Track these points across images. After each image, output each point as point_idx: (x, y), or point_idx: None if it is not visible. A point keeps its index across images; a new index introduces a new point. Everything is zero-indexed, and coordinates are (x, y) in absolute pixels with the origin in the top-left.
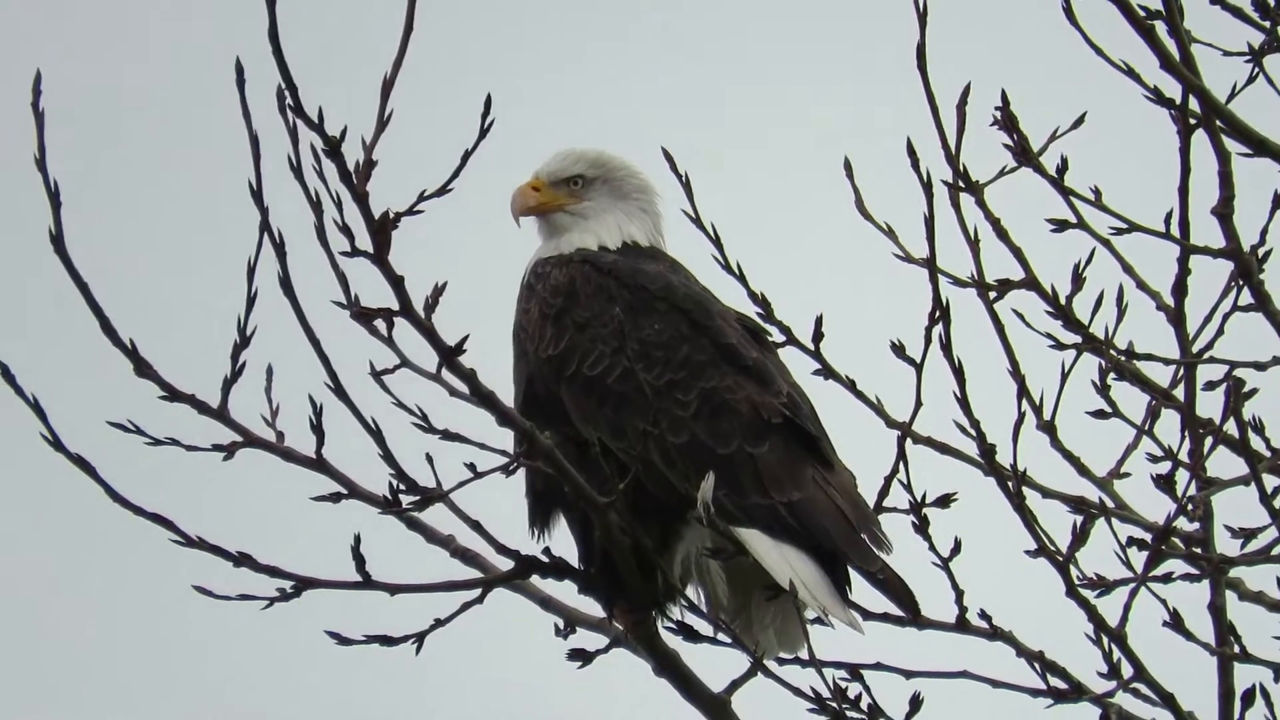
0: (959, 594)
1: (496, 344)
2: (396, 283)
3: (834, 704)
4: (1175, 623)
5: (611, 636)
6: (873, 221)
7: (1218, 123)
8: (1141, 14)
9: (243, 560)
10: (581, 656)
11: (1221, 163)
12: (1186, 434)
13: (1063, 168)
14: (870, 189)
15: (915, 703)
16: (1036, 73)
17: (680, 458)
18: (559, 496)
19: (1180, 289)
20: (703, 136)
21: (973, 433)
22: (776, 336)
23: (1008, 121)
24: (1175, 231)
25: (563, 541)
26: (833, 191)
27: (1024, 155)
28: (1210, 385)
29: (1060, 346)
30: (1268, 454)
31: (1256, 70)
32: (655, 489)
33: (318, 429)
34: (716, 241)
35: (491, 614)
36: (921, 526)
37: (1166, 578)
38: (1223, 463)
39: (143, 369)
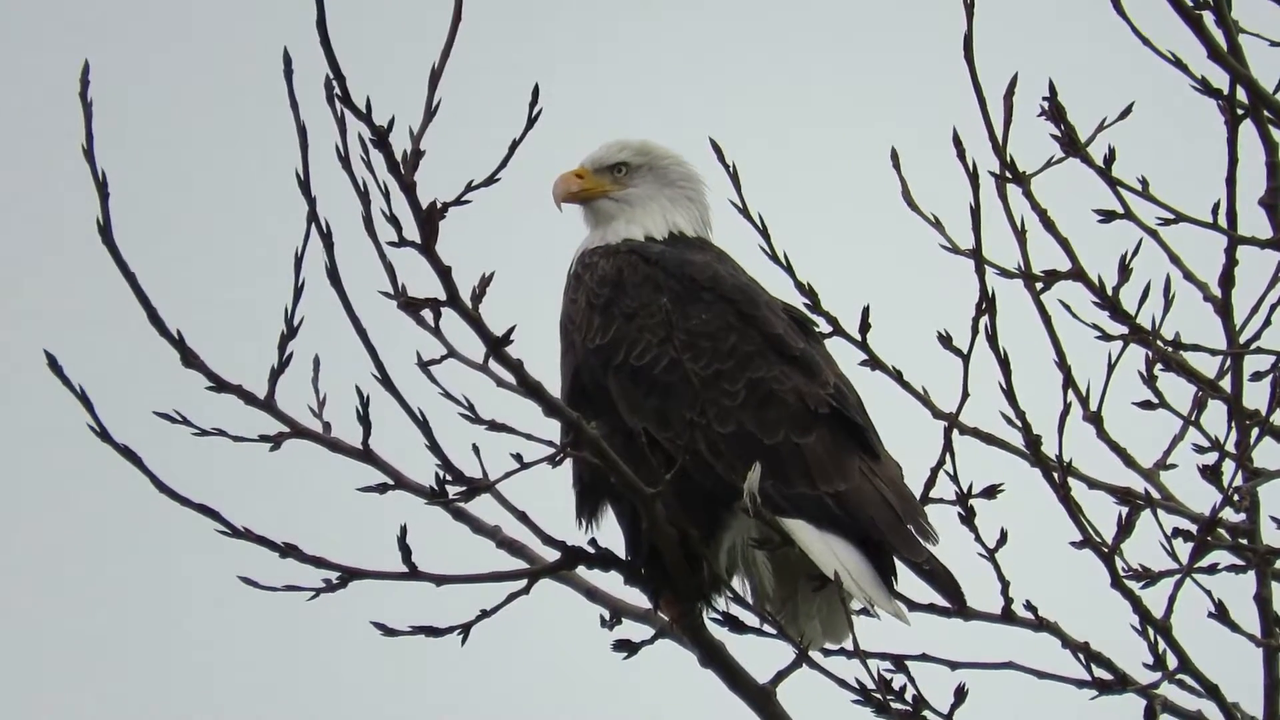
0: (1005, 585)
1: (543, 334)
2: (444, 273)
3: (879, 695)
4: (1220, 614)
5: (657, 627)
6: (919, 212)
7: (1265, 113)
8: (1189, 4)
9: (289, 551)
10: (627, 647)
11: (1269, 153)
12: (1233, 425)
13: (1110, 158)
14: (917, 180)
15: (960, 694)
16: (1084, 63)
17: (727, 448)
18: (606, 487)
19: (1227, 279)
20: (750, 128)
21: (1019, 424)
22: (823, 327)
23: (1055, 112)
24: (1223, 222)
25: (609, 532)
26: (880, 182)
27: (1071, 146)
28: (1257, 376)
29: (1107, 337)
30: None
31: None
32: (702, 479)
33: (364, 419)
34: (764, 232)
35: (537, 605)
36: (967, 517)
37: (1212, 569)
38: (1269, 454)
39: (190, 359)
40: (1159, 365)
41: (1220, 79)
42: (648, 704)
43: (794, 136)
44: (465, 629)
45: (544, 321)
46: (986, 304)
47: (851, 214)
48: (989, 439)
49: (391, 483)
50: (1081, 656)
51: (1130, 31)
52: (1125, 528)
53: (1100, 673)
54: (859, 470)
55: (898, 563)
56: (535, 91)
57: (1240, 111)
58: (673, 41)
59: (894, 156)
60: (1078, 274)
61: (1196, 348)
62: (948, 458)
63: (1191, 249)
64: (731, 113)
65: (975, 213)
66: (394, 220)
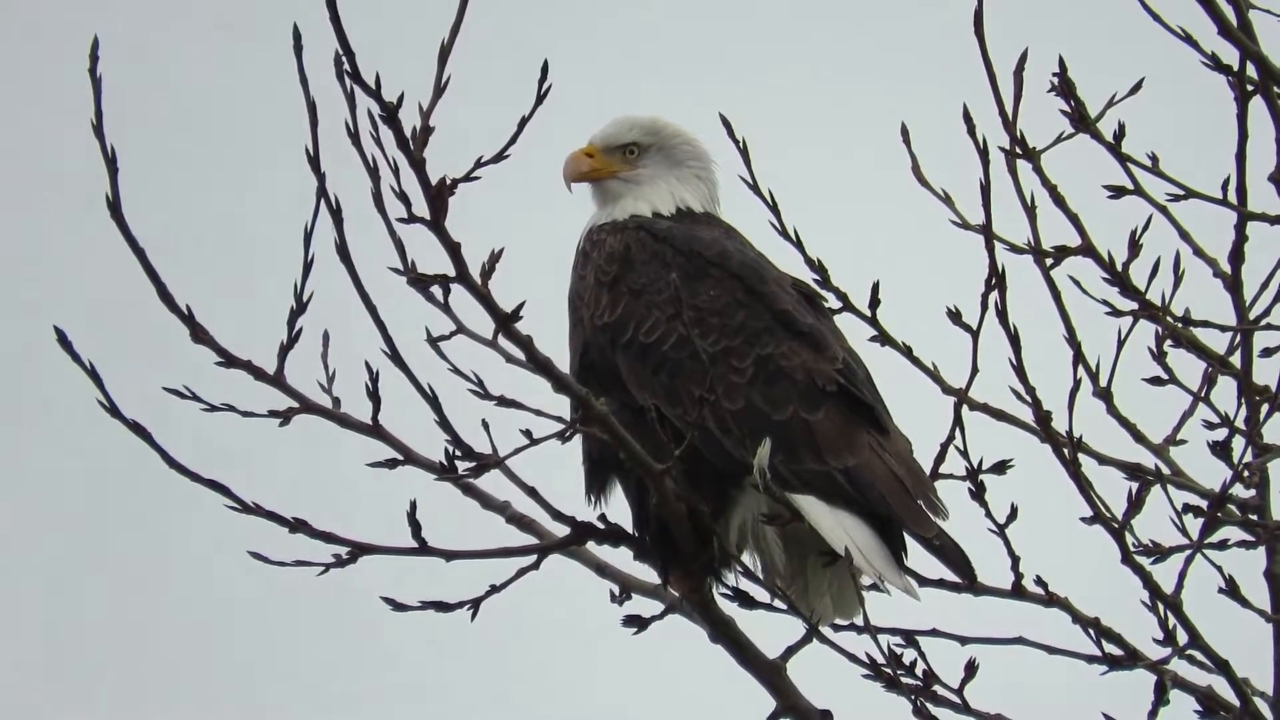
0: (1015, 560)
1: (552, 311)
2: (453, 249)
3: (889, 670)
4: (1231, 590)
5: (667, 603)
6: (929, 188)
7: (1275, 89)
8: None
9: (298, 526)
10: (637, 623)
11: (1279, 129)
12: (1243, 401)
13: (1120, 134)
14: (927, 155)
15: (970, 669)
16: (1094, 39)
17: (736, 424)
18: (615, 463)
19: (1237, 255)
20: (760, 103)
21: (1029, 399)
22: (832, 303)
23: (1065, 88)
24: (1232, 198)
25: (619, 508)
26: (890, 157)
27: (1081, 121)
28: (1267, 352)
29: (1117, 313)
30: None
31: None
32: (711, 455)
33: (374, 395)
34: (774, 208)
35: (547, 580)
36: (977, 493)
37: (1222, 544)
38: (1279, 429)
39: (199, 335)
40: (1169, 341)
41: (1230, 55)
42: (657, 679)
43: (804, 112)
44: (475, 604)
45: (553, 297)
46: (996, 280)
47: (862, 189)
48: (999, 415)
49: (401, 458)
50: (1092, 632)
51: (1140, 7)
52: (1135, 503)
53: (1110, 648)
54: (868, 445)
55: (908, 538)
56: (544, 68)
57: (1250, 87)
58: (681, 14)
59: (904, 132)
60: (1087, 250)
61: (1206, 324)
62: (957, 433)
63: (1201, 225)
64: (741, 87)
65: (985, 188)
66: (403, 196)
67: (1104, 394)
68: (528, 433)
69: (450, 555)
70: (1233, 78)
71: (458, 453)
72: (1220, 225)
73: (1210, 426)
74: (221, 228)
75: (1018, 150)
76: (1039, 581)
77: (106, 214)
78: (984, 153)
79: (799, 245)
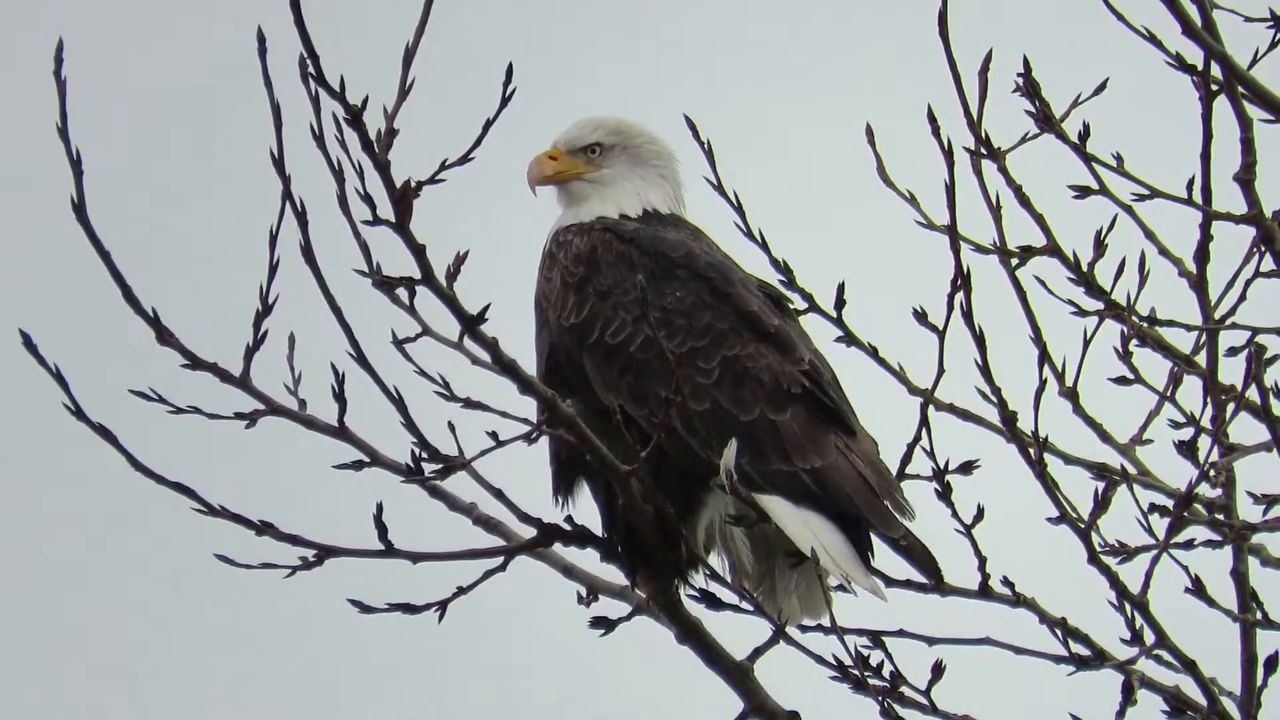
0: (981, 561)
1: (518, 313)
2: (418, 251)
3: (856, 671)
4: (1197, 589)
5: (634, 604)
6: (895, 188)
7: (1240, 89)
8: None
9: (265, 529)
10: (604, 624)
11: (1243, 129)
12: (1209, 400)
13: (1085, 134)
14: (892, 156)
15: (937, 670)
16: (1058, 39)
17: (702, 425)
18: (581, 465)
19: (1202, 255)
20: (725, 104)
21: (995, 399)
22: (798, 304)
23: (1030, 88)
24: (1197, 197)
25: (585, 509)
26: (855, 158)
27: (1046, 122)
28: (1232, 351)
29: (1082, 313)
30: None
31: (1278, 36)
32: (677, 457)
33: (340, 397)
34: (739, 209)
35: (514, 582)
36: (944, 493)
37: (1189, 544)
38: (1245, 429)
39: (165, 337)
40: (1134, 341)
41: (1195, 55)
42: (625, 680)
43: (769, 113)
44: (442, 606)
45: (519, 299)
46: (962, 280)
47: (827, 190)
48: (965, 415)
49: (367, 460)
50: (1059, 632)
51: (1105, 7)
52: (1102, 503)
53: (1078, 648)
54: (835, 446)
55: (874, 539)
56: (509, 71)
57: (1215, 87)
58: (646, 15)
59: (869, 133)
60: (1053, 250)
61: (1172, 323)
62: (924, 434)
63: (1166, 224)
64: (706, 88)
65: (950, 189)
66: (368, 199)
67: (1070, 394)
68: (494, 434)
69: (417, 557)
70: (1197, 77)
71: (424, 454)
72: (1185, 225)
73: (1176, 426)
74: (187, 230)
75: (983, 150)
76: (1006, 582)
77: (72, 216)
78: (949, 153)
79: (764, 246)
